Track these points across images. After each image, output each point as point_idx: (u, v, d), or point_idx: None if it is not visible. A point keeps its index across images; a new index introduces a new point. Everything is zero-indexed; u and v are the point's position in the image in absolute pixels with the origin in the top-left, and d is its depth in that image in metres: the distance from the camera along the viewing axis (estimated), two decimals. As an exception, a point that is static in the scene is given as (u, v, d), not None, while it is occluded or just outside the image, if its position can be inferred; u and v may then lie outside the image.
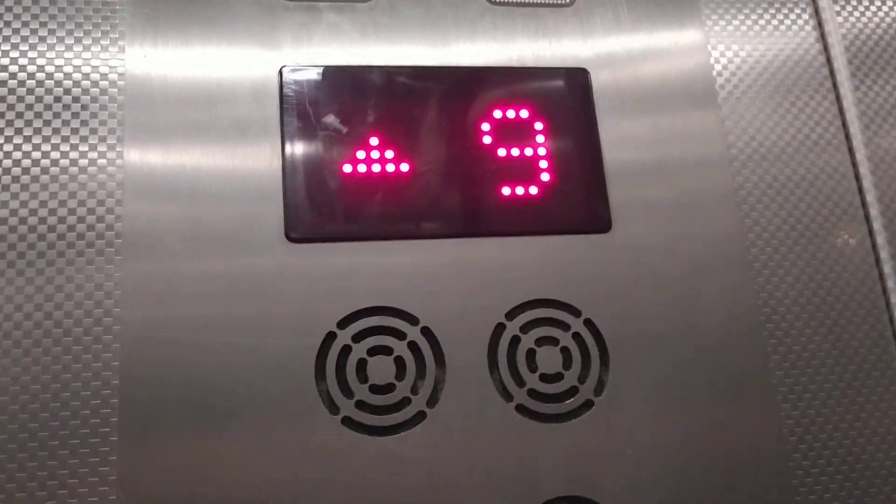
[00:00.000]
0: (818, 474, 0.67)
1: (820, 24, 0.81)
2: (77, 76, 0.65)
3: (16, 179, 0.61)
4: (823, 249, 0.73)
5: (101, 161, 0.63)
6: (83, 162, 0.63)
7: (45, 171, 0.62)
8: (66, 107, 0.64)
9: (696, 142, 0.74)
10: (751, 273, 0.71)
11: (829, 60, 0.79)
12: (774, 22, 0.80)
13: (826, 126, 0.77)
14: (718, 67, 0.77)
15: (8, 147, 0.62)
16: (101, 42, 0.66)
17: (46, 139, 0.63)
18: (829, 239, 0.74)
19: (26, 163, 0.62)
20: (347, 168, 0.67)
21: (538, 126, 0.71)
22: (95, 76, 0.65)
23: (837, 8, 0.81)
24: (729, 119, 0.75)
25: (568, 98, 0.73)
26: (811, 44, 0.80)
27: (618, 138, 0.72)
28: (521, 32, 0.74)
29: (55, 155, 0.62)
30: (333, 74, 0.69)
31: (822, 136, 0.77)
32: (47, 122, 0.63)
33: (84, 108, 0.64)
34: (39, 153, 0.62)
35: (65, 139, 0.63)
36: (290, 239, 0.64)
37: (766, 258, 0.72)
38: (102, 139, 0.64)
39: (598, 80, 0.74)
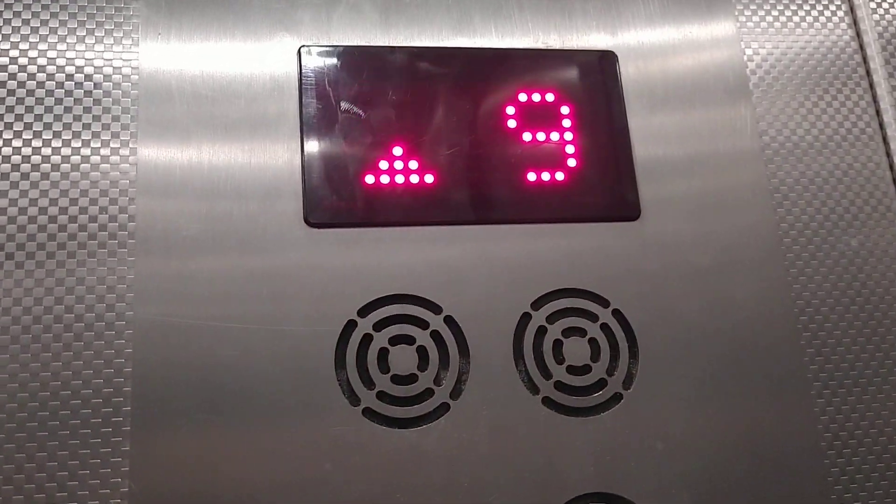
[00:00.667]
0: (853, 472, 0.65)
1: (854, 18, 0.78)
2: (89, 70, 0.62)
3: (35, 172, 0.59)
4: (858, 239, 0.71)
5: (115, 157, 0.61)
6: (100, 156, 0.60)
7: (63, 163, 0.60)
8: (79, 101, 0.61)
9: (728, 134, 0.71)
10: (784, 264, 0.69)
11: (862, 52, 0.77)
12: (808, 16, 0.77)
13: (860, 116, 0.75)
14: (751, 60, 0.74)
15: (25, 140, 0.60)
16: (114, 35, 0.64)
17: (58, 135, 0.60)
18: (863, 230, 0.72)
19: (45, 154, 0.60)
20: (368, 152, 0.64)
21: (564, 110, 0.69)
22: (108, 70, 0.63)
23: (873, 5, 0.79)
24: (761, 112, 0.73)
25: (595, 82, 0.70)
26: (845, 35, 0.77)
27: (647, 130, 0.70)
28: (548, 17, 0.72)
29: (70, 150, 0.60)
30: (354, 55, 0.67)
31: (856, 127, 0.74)
32: (58, 118, 0.61)
33: (97, 102, 0.62)
34: (51, 149, 0.60)
35: (76, 135, 0.61)
36: (309, 224, 0.62)
37: (799, 249, 0.70)
38: (116, 134, 0.61)
39: (628, 71, 0.71)
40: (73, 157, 0.60)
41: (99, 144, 0.61)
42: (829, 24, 0.78)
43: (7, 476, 0.54)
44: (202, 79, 0.64)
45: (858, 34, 0.78)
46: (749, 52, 0.75)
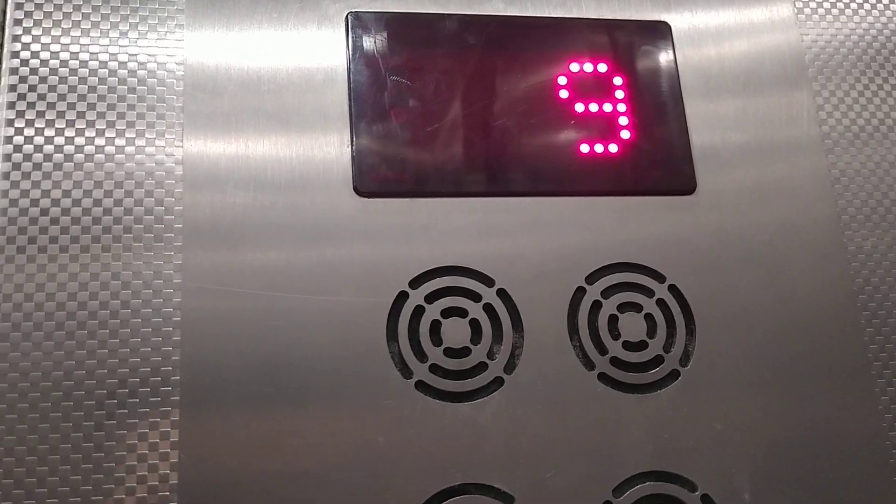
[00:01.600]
0: (917, 454, 0.63)
1: None
2: (133, 64, 0.60)
3: (77, 168, 0.57)
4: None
5: (160, 154, 0.59)
6: (149, 150, 0.59)
7: (107, 160, 0.58)
8: (122, 97, 0.59)
9: (786, 121, 0.69)
10: (842, 241, 0.67)
11: None
12: (867, 1, 0.75)
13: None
14: (810, 46, 0.72)
15: (69, 135, 0.58)
16: (159, 28, 0.62)
17: (101, 131, 0.58)
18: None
19: (88, 150, 0.58)
20: (419, 120, 0.63)
21: (617, 81, 0.67)
22: (153, 65, 0.61)
23: None
24: (821, 99, 0.70)
25: (649, 52, 0.68)
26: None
27: (702, 112, 0.68)
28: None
29: (117, 144, 0.58)
30: (403, 22, 0.65)
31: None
32: (101, 113, 0.58)
33: (141, 98, 0.59)
34: (94, 144, 0.58)
35: (120, 131, 0.59)
36: (359, 193, 0.60)
37: (857, 226, 0.67)
38: (161, 131, 0.59)
39: (682, 49, 0.69)
40: (126, 149, 0.58)
41: (145, 141, 0.59)
42: (888, 10, 0.75)
43: (53, 445, 0.52)
44: (247, 44, 0.62)
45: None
46: (808, 38, 0.72)
